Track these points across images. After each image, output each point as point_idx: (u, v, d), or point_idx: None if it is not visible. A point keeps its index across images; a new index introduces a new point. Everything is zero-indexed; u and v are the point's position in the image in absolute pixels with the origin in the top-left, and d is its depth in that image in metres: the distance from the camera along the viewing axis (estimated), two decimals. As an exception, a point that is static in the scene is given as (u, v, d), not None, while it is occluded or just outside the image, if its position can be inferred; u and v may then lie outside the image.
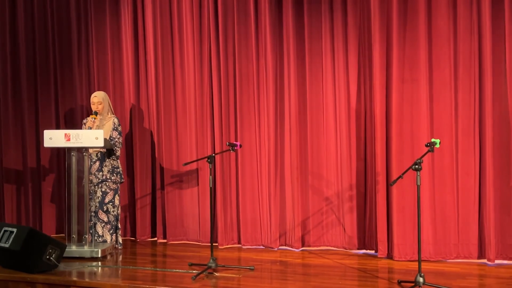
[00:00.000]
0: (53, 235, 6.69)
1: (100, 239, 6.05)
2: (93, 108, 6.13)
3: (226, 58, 6.29)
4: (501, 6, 5.27)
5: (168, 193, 6.58)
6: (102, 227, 6.08)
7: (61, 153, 6.96)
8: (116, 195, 6.17)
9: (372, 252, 5.81)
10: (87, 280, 4.90)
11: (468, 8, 5.37)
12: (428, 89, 5.48)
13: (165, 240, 6.59)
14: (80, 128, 6.44)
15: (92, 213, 6.04)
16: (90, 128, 6.02)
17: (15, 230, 5.05)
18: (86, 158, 5.81)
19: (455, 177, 5.43)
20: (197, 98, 6.42)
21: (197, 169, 6.45)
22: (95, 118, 6.02)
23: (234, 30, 6.24)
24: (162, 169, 6.63)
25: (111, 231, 6.10)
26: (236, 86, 6.24)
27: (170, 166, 6.58)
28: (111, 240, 6.08)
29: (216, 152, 6.23)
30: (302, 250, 5.99)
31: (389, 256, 5.57)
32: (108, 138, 6.00)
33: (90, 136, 5.62)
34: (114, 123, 6.13)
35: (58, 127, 7.03)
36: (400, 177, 4.48)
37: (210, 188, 5.25)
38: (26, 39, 7.06)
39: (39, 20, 7.06)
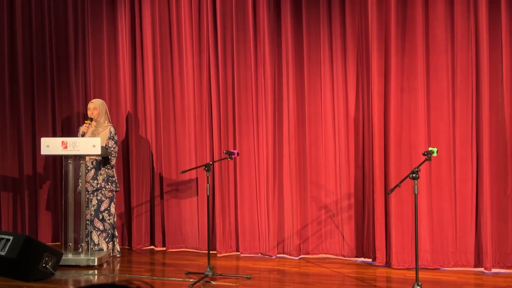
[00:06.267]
0: (49, 243, 6.66)
1: (96, 247, 6.02)
2: (89, 113, 6.13)
3: (225, 66, 6.30)
4: (498, 16, 5.30)
5: (167, 201, 6.57)
6: (98, 236, 6.05)
7: (57, 161, 6.94)
8: (112, 203, 6.15)
9: (370, 260, 5.80)
10: (83, 288, 4.88)
11: (465, 17, 5.40)
12: (426, 98, 5.50)
13: (164, 248, 6.56)
14: (77, 135, 6.43)
15: (88, 222, 6.01)
16: (84, 133, 6.02)
17: (11, 238, 5.03)
18: (83, 166, 5.80)
19: (452, 186, 5.44)
20: (196, 106, 6.42)
21: (196, 177, 6.44)
22: (89, 124, 6.01)
23: (232, 38, 6.25)
24: (161, 177, 6.62)
25: (107, 240, 6.07)
26: (235, 94, 6.25)
27: (169, 174, 6.57)
28: (107, 248, 6.05)
29: (213, 160, 6.22)
30: (300, 258, 5.97)
31: (387, 264, 5.56)
32: (104, 146, 5.99)
33: (87, 144, 5.61)
34: (111, 132, 6.12)
35: (54, 134, 7.00)
36: (397, 185, 4.48)
37: (207, 196, 5.25)
38: (24, 47, 7.05)
39: (36, 28, 7.05)
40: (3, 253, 4.95)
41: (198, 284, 4.94)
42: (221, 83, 6.29)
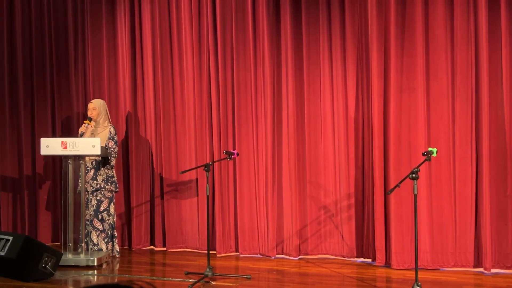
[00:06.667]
0: (49, 244, 6.66)
1: (95, 247, 6.02)
2: (88, 114, 6.14)
3: (225, 66, 6.30)
4: (498, 16, 5.30)
5: (167, 201, 6.57)
6: (97, 236, 6.05)
7: (56, 161, 6.94)
8: (111, 203, 6.14)
9: (369, 260, 5.80)
10: (83, 288, 4.88)
11: (465, 18, 5.40)
12: (426, 98, 5.50)
13: (164, 248, 6.56)
14: (76, 136, 6.43)
15: (87, 222, 6.01)
16: (83, 133, 6.02)
17: (11, 238, 5.03)
18: (82, 166, 5.80)
19: (452, 186, 5.44)
20: (196, 107, 6.42)
21: (196, 178, 6.45)
22: (88, 124, 6.01)
23: (232, 39, 6.25)
24: (161, 177, 6.62)
25: (106, 240, 6.07)
26: (234, 94, 6.25)
27: (169, 174, 6.57)
28: (107, 248, 6.05)
29: (213, 160, 6.22)
30: (300, 258, 5.97)
31: (387, 264, 5.56)
32: (104, 147, 5.99)
33: (87, 144, 5.61)
34: (111, 132, 6.12)
35: (54, 135, 7.00)
36: (397, 186, 4.48)
37: (207, 196, 5.26)
38: (23, 47, 7.06)
39: (36, 28, 7.05)
40: (3, 253, 4.95)
41: (197, 284, 4.94)
42: (220, 84, 6.29)
